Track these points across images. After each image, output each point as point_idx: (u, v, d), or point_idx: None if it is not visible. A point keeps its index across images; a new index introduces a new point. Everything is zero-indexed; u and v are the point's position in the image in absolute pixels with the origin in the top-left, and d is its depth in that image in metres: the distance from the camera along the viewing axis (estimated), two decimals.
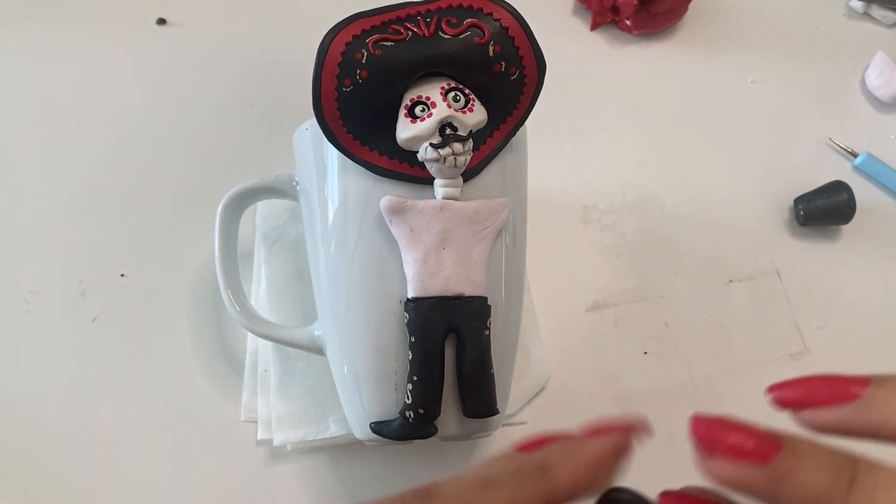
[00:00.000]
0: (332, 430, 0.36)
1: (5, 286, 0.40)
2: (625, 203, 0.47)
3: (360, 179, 0.29)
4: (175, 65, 0.47)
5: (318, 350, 0.33)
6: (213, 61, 0.47)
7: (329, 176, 0.30)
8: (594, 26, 0.52)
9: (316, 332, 0.33)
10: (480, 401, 0.29)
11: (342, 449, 0.38)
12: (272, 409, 0.37)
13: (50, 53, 0.46)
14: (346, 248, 0.29)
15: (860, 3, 0.55)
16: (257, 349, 0.39)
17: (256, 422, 0.38)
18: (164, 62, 0.47)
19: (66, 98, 0.45)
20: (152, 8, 0.48)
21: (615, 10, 0.51)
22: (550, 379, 0.41)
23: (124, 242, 0.42)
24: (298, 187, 0.34)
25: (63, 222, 0.42)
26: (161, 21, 0.47)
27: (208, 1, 0.48)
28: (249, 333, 0.38)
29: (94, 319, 0.40)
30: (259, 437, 0.37)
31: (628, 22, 0.51)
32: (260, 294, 0.39)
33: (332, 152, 0.29)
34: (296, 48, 0.47)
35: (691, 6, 0.52)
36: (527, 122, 0.31)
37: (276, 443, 0.36)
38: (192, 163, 0.44)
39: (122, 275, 0.41)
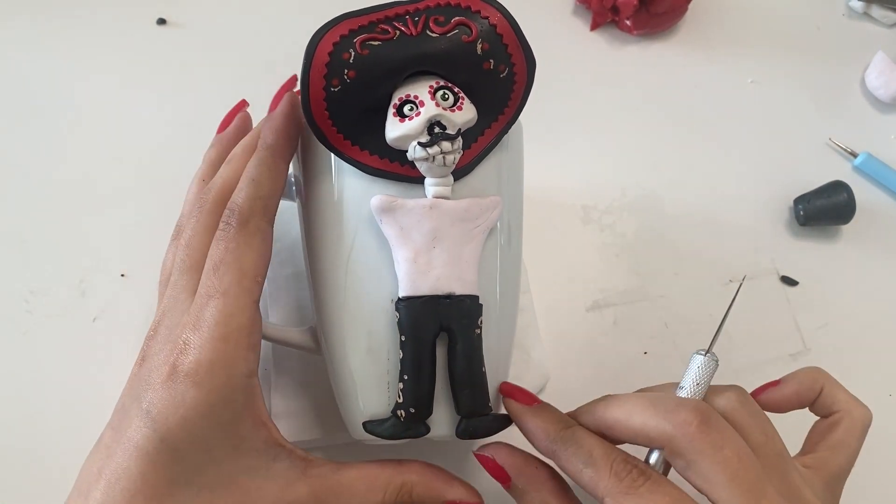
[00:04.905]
0: (331, 431, 0.36)
1: (5, 286, 0.40)
2: (625, 203, 0.47)
3: (351, 179, 0.29)
4: (175, 65, 0.47)
5: (314, 350, 0.33)
6: (213, 61, 0.47)
7: (321, 175, 0.30)
8: (594, 26, 0.52)
9: (312, 332, 0.33)
10: (472, 400, 0.29)
11: (341, 449, 0.38)
12: (271, 408, 0.37)
13: (50, 53, 0.46)
14: (338, 248, 0.29)
15: (860, 3, 0.55)
16: None
17: None
18: (164, 62, 0.47)
19: (66, 97, 0.45)
20: (152, 8, 0.48)
21: (615, 10, 0.51)
22: (550, 379, 0.41)
23: (124, 242, 0.42)
24: (294, 187, 0.34)
25: (63, 222, 0.42)
26: (161, 21, 0.48)
27: (208, 1, 0.49)
28: None
29: (94, 319, 0.40)
30: None
31: (628, 22, 0.51)
32: None
33: (324, 151, 0.29)
34: (295, 48, 0.47)
35: (691, 6, 0.52)
36: (526, 122, 0.31)
37: None
38: (192, 163, 0.44)
39: (122, 275, 0.41)
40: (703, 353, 0.29)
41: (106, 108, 0.45)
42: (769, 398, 0.32)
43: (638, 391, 0.32)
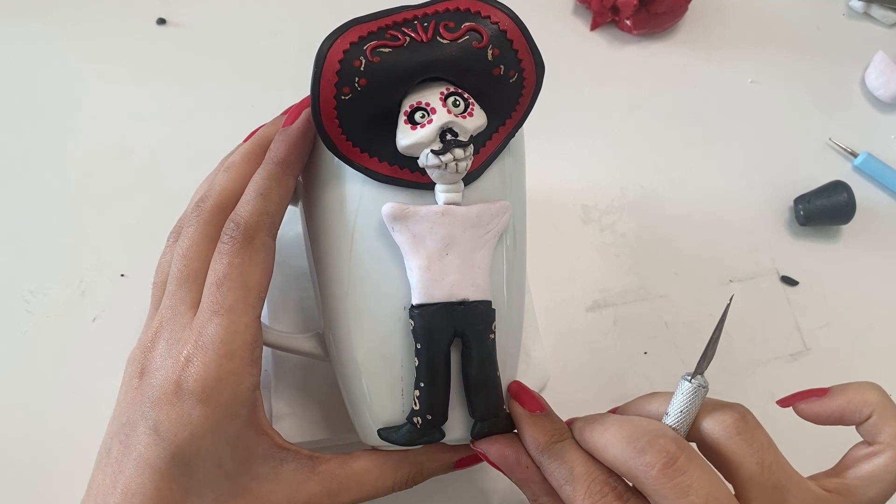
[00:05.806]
0: (332, 432, 0.36)
1: (5, 286, 0.40)
2: (625, 203, 0.47)
3: (360, 186, 0.29)
4: (175, 65, 0.47)
5: (322, 357, 0.33)
6: (213, 61, 0.47)
7: (329, 182, 0.30)
8: (594, 26, 0.52)
9: (319, 339, 0.33)
10: (487, 404, 0.29)
11: (342, 450, 0.38)
12: (272, 409, 0.37)
13: (50, 53, 0.46)
14: (348, 256, 0.29)
15: (860, 3, 0.55)
16: None
17: None
18: (164, 62, 0.47)
19: (66, 97, 0.45)
20: (152, 8, 0.48)
21: (615, 10, 0.51)
22: (550, 379, 0.41)
23: (124, 242, 0.42)
24: (296, 192, 0.34)
25: (63, 222, 0.42)
26: (161, 21, 0.47)
27: (208, 1, 0.48)
28: None
29: (94, 319, 0.40)
30: None
31: (628, 22, 0.51)
32: None
33: (330, 157, 0.29)
34: (296, 48, 0.47)
35: (691, 6, 0.52)
36: (526, 122, 0.31)
37: None
38: (192, 163, 0.44)
39: (122, 275, 0.41)
40: (689, 377, 0.27)
41: (106, 108, 0.45)
42: (808, 408, 0.29)
43: (639, 399, 0.31)
